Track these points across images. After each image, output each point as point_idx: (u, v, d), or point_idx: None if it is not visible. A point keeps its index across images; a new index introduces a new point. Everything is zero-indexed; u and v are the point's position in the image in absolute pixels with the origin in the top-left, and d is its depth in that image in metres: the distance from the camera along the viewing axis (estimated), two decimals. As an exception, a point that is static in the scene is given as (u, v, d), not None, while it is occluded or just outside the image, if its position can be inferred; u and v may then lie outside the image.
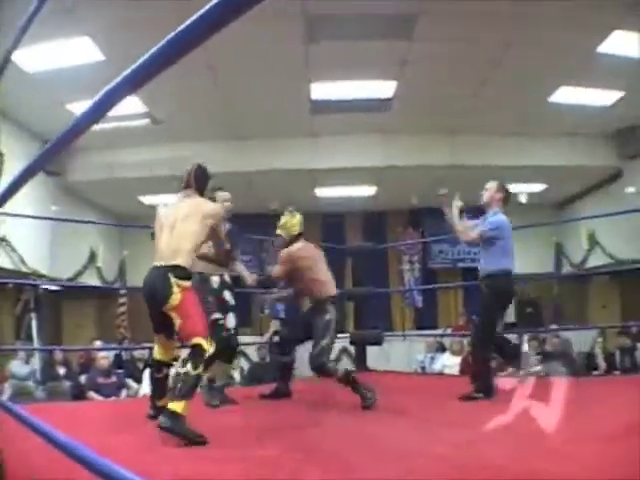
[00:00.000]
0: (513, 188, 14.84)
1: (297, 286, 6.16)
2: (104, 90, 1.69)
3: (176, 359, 4.56)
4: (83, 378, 10.38)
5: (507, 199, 6.27)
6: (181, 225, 4.40)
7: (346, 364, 10.56)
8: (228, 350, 5.74)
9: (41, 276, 12.24)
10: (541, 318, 16.57)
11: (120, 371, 10.74)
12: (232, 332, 5.80)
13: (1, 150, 9.81)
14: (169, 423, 3.87)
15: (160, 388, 4.62)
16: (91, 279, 14.72)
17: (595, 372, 11.27)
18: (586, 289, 16.54)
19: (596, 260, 14.73)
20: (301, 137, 12.73)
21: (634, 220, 12.41)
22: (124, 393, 9.97)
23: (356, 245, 10.86)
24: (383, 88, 10.77)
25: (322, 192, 14.93)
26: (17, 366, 10.28)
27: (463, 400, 5.71)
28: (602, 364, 11.65)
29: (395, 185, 14.26)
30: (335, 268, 6.45)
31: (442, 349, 12.33)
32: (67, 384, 10.15)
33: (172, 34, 1.37)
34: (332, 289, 6.07)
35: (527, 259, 15.71)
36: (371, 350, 9.24)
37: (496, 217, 6.07)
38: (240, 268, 6.05)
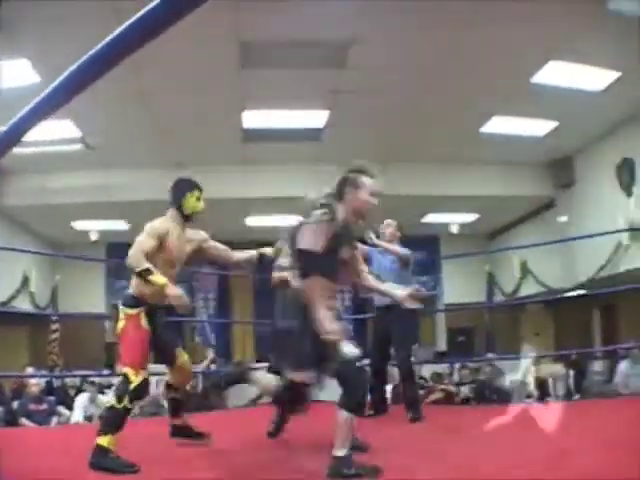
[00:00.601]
0: (445, 218, 15.09)
1: None
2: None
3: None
4: (15, 404, 10.03)
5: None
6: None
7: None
8: None
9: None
10: (473, 347, 16.56)
11: (51, 398, 10.42)
12: None
13: None
14: (94, 459, 3.88)
15: (171, 408, 4.83)
16: (24, 304, 14.26)
17: (528, 399, 11.22)
18: (519, 317, 16.61)
19: (529, 289, 14.76)
20: (233, 165, 12.44)
21: (566, 249, 12.53)
22: (55, 420, 9.71)
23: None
24: (315, 117, 10.62)
25: (253, 221, 14.69)
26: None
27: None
28: (534, 391, 11.62)
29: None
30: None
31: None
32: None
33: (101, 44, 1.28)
34: None
35: (459, 289, 15.76)
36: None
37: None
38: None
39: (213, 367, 13.07)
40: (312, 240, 3.70)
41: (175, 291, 4.09)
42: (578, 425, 5.07)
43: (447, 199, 13.27)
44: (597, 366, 11.74)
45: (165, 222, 4.40)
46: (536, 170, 13.25)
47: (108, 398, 4.04)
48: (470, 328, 16.85)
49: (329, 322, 3.54)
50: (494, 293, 16.61)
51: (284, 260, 4.76)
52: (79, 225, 14.65)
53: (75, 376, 10.14)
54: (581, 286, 12.56)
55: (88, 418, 9.65)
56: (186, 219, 4.52)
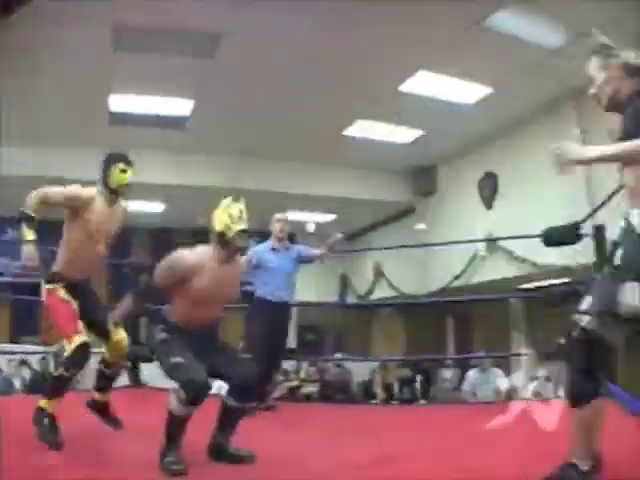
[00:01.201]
0: (301, 217, 15.01)
1: None
2: None
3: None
4: None
5: None
6: None
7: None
8: None
9: None
10: (322, 346, 16.59)
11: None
12: None
13: None
14: (34, 416, 4.10)
15: (97, 381, 4.62)
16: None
17: (373, 401, 11.32)
18: (370, 320, 16.72)
19: (382, 292, 14.86)
20: (96, 148, 11.89)
21: (422, 256, 12.67)
22: None
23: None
24: (181, 106, 10.31)
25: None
26: None
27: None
28: (380, 394, 11.72)
29: (183, 204, 13.72)
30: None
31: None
32: None
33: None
34: None
35: (312, 288, 15.70)
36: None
37: None
38: None
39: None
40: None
41: (27, 250, 4.02)
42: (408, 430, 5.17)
43: (305, 198, 13.17)
44: (447, 373, 11.92)
45: (92, 192, 4.26)
46: (398, 176, 13.36)
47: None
48: (320, 327, 16.85)
49: None
50: (347, 294, 16.66)
51: None
52: None
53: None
54: (433, 294, 12.72)
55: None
56: (112, 193, 4.33)
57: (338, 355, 13.48)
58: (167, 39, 8.18)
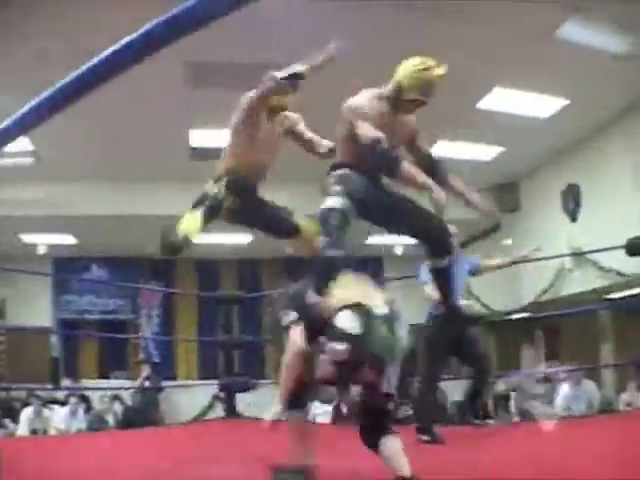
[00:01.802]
0: (390, 240, 15.17)
1: None
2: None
3: None
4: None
5: None
6: None
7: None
8: None
9: None
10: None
11: (-3, 411, 10.50)
12: None
13: None
14: None
15: None
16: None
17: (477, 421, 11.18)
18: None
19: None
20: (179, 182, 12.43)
21: (510, 270, 12.70)
22: (1, 433, 9.82)
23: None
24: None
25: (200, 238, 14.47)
26: None
27: None
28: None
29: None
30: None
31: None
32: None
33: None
34: None
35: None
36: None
37: None
38: None
39: (147, 384, 13.10)
40: None
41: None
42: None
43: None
44: (540, 388, 11.72)
45: None
46: (482, 194, 13.38)
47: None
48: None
49: None
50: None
51: None
52: (27, 238, 14.45)
53: (22, 389, 10.05)
54: (524, 309, 12.76)
55: (33, 432, 9.60)
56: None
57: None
58: (245, 73, 8.53)
